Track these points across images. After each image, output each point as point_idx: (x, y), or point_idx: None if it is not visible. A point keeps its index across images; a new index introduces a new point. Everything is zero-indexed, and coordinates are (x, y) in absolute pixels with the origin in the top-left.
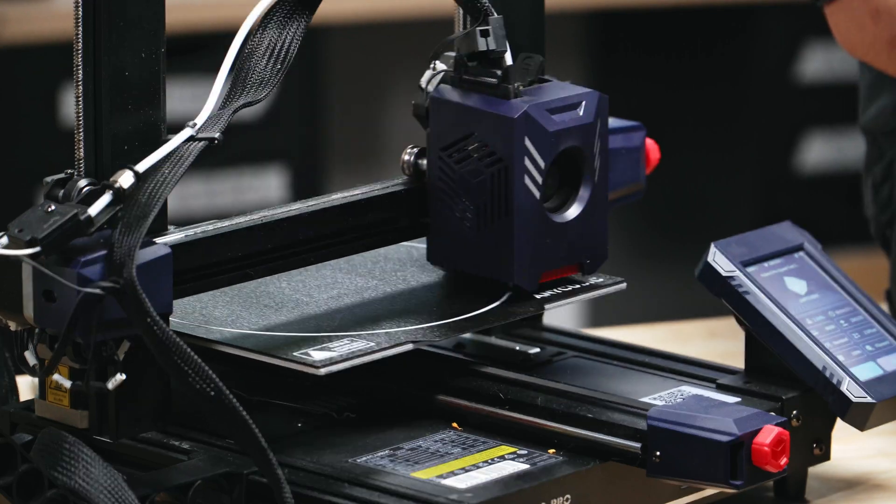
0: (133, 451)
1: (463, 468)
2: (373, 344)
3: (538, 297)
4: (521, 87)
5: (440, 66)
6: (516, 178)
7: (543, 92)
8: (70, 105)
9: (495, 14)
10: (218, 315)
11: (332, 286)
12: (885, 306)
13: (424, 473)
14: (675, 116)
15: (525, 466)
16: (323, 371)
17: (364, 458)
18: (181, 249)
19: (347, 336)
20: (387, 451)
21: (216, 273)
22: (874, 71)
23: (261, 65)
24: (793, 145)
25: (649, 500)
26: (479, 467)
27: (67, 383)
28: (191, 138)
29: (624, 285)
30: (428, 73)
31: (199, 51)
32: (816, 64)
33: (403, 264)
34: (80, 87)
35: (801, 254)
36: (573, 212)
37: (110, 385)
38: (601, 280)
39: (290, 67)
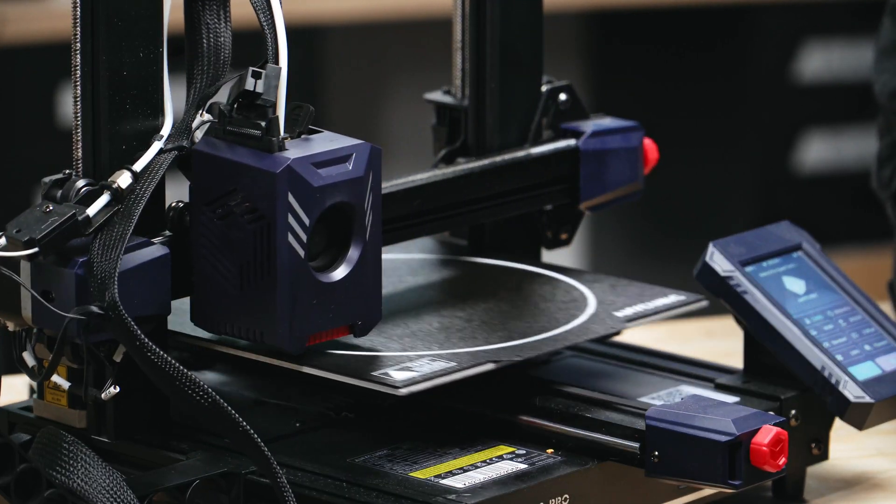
0: (131, 451)
1: (461, 468)
2: (454, 363)
3: (620, 314)
4: (286, 140)
5: (206, 116)
6: (279, 236)
7: (310, 145)
8: (68, 105)
9: (279, 65)
10: None
11: (406, 302)
12: (886, 302)
13: (422, 473)
14: (673, 116)
15: (523, 466)
16: (404, 391)
17: (362, 458)
18: None
19: (428, 355)
20: (385, 451)
21: None
22: (890, 35)
23: (203, 65)
24: (791, 145)
25: (647, 499)
26: (477, 467)
27: (66, 384)
28: (161, 151)
29: (706, 303)
30: (196, 122)
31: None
32: (815, 63)
33: (478, 279)
34: (79, 87)
35: (800, 253)
36: (342, 271)
37: (104, 396)
38: (682, 298)
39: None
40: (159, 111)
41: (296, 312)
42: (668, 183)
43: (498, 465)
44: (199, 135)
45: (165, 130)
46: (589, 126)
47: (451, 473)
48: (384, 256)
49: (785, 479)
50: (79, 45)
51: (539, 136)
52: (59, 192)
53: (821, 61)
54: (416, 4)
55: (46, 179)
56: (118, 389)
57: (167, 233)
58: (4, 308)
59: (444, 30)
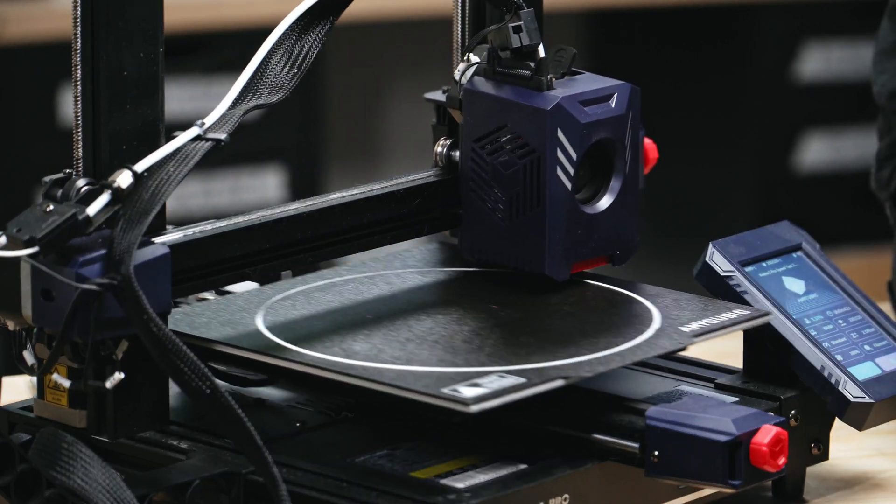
0: (131, 451)
1: (461, 468)
2: (523, 380)
3: (686, 329)
4: (553, 80)
5: (474, 58)
6: (548, 170)
7: (576, 84)
8: (69, 105)
9: (525, 8)
10: (359, 349)
11: (473, 318)
12: (886, 302)
13: (423, 473)
14: (673, 115)
15: (523, 466)
16: (474, 409)
17: (362, 458)
18: (180, 249)
19: (497, 372)
20: (385, 451)
21: (215, 272)
22: (889, 36)
23: (276, 69)
24: (791, 145)
25: (647, 499)
26: (477, 467)
27: (66, 383)
28: (197, 137)
29: (771, 316)
30: (462, 66)
31: (198, 51)
32: (815, 63)
33: (542, 294)
34: (79, 86)
35: (800, 253)
36: (604, 203)
37: (109, 384)
38: (747, 312)
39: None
40: (159, 111)
41: (563, 242)
42: (668, 183)
43: (498, 465)
44: (465, 78)
45: (210, 120)
46: None
47: (451, 473)
48: (433, 270)
49: (785, 479)
50: (79, 45)
51: None
52: (60, 192)
53: (820, 61)
54: (416, 4)
55: (47, 179)
56: (123, 375)
57: (170, 228)
58: (4, 307)
59: (444, 30)
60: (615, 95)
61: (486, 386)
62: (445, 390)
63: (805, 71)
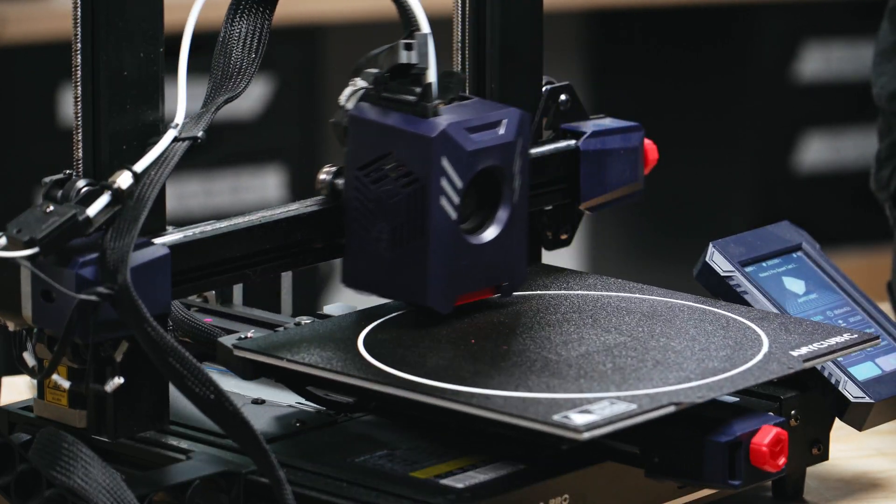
0: (131, 451)
1: (461, 468)
2: (635, 406)
3: (796, 354)
4: (440, 106)
5: (360, 83)
6: (432, 199)
7: (463, 110)
8: (68, 105)
9: (424, 30)
10: (466, 375)
11: (578, 343)
12: (886, 302)
13: (423, 473)
14: (673, 116)
15: (523, 466)
16: (586, 436)
17: (362, 458)
18: (180, 249)
19: (607, 398)
20: (385, 451)
21: (215, 273)
22: (889, 38)
23: (234, 57)
24: (791, 145)
25: (647, 499)
26: (477, 467)
27: (66, 383)
28: (175, 139)
29: (878, 340)
30: (347, 90)
31: (198, 51)
32: (815, 63)
33: (648, 318)
34: (79, 87)
35: (800, 253)
36: (491, 233)
37: (108, 388)
38: (855, 336)
39: (284, 64)
40: (159, 111)
41: (446, 273)
42: (668, 183)
43: (498, 465)
44: (351, 103)
45: (180, 119)
46: (589, 126)
47: (451, 473)
48: (534, 294)
49: (785, 479)
50: (79, 45)
51: (539, 136)
52: (60, 193)
53: (820, 61)
54: None
55: (47, 179)
56: (122, 380)
57: (170, 228)
58: (4, 308)
59: (444, 30)
60: (504, 122)
61: (597, 412)
62: (556, 417)
63: (805, 71)
